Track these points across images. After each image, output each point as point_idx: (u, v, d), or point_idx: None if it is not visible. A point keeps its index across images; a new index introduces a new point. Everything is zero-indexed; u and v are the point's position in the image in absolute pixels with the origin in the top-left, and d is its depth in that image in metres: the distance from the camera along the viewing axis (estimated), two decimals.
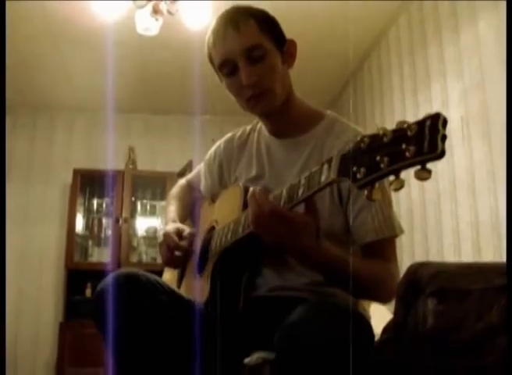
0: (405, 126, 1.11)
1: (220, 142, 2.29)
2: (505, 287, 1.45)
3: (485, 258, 3.67)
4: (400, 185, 1.13)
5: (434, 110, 3.57)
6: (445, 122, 1.06)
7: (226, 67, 1.91)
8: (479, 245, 3.81)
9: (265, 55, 1.88)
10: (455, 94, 4.18)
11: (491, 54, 3.71)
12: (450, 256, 4.17)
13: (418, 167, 1.08)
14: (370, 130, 1.22)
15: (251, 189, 1.51)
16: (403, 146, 1.09)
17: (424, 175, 1.08)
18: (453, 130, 3.92)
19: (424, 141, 1.06)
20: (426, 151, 1.05)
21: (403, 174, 1.12)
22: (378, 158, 1.14)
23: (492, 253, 3.63)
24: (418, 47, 4.88)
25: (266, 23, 1.94)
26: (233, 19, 1.90)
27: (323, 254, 1.55)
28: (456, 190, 4.01)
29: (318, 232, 1.51)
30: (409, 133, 1.09)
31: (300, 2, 4.41)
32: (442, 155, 1.04)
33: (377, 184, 1.19)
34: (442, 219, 4.33)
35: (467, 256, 3.94)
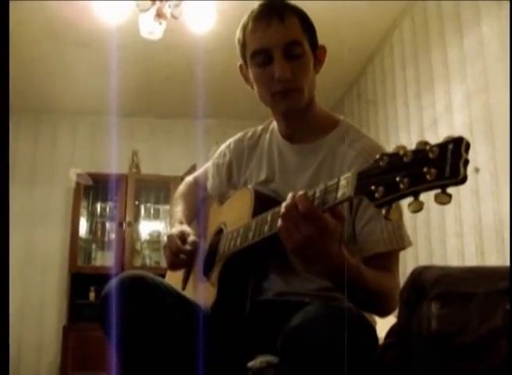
0: (427, 147, 1.09)
1: (230, 141, 2.27)
2: (508, 291, 1.45)
3: (489, 262, 3.67)
4: (419, 207, 1.12)
5: (438, 114, 3.56)
6: (467, 146, 1.05)
7: (261, 56, 1.88)
8: (483, 249, 3.81)
9: (303, 54, 1.88)
10: (459, 97, 4.18)
11: (495, 57, 3.71)
12: (454, 260, 4.16)
13: (438, 190, 1.07)
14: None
15: (291, 193, 1.43)
16: (425, 169, 1.07)
17: (444, 199, 1.07)
18: (456, 133, 3.91)
19: (446, 165, 1.05)
20: (448, 176, 1.04)
21: None
22: (397, 178, 1.13)
23: (496, 257, 3.62)
24: (422, 50, 4.88)
25: (307, 23, 1.94)
26: (279, 10, 1.87)
27: (343, 261, 1.50)
28: (460, 193, 4.00)
29: (341, 238, 1.48)
30: (430, 155, 1.08)
31: (302, 5, 4.40)
32: (464, 180, 1.03)
33: (394, 204, 1.18)
34: (446, 223, 4.33)
35: (470, 260, 3.93)
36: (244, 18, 1.95)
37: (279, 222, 1.41)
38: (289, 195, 1.41)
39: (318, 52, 1.98)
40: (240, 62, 2.02)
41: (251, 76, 1.97)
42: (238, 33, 1.97)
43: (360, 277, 1.59)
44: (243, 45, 1.95)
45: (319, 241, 1.38)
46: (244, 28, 1.94)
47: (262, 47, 1.87)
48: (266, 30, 1.86)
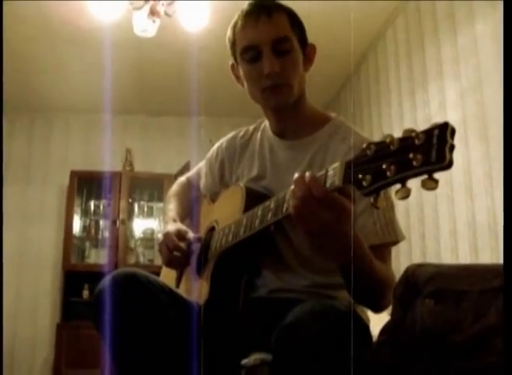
0: (413, 134, 1.09)
1: (222, 141, 2.28)
2: (502, 289, 1.45)
3: (482, 260, 3.67)
4: (406, 194, 1.12)
5: (432, 111, 3.57)
6: (453, 131, 1.05)
7: (250, 53, 1.90)
8: (476, 246, 3.82)
9: (291, 50, 1.89)
10: (452, 95, 4.18)
11: (488, 55, 3.72)
12: (447, 257, 4.17)
13: (425, 176, 1.07)
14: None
15: (297, 174, 1.37)
16: (411, 155, 1.07)
17: (431, 185, 1.07)
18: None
19: (431, 151, 1.04)
20: (434, 161, 1.04)
21: None
22: (384, 166, 1.13)
23: (489, 254, 3.63)
24: (415, 48, 4.89)
25: (296, 20, 1.95)
26: (267, 8, 1.89)
27: (360, 244, 1.49)
28: (454, 191, 4.01)
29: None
30: (416, 142, 1.07)
31: (296, 4, 4.40)
32: (449, 165, 1.03)
33: (382, 192, 1.18)
34: (440, 221, 4.33)
35: (464, 257, 3.94)
36: (234, 17, 1.96)
37: (292, 208, 1.37)
38: (297, 177, 1.36)
39: (308, 50, 1.99)
40: (231, 61, 2.04)
41: (241, 73, 1.98)
42: (228, 32, 1.99)
43: (372, 263, 1.57)
44: (233, 43, 1.98)
45: (337, 225, 1.33)
46: (234, 26, 1.96)
47: (251, 43, 1.89)
48: (255, 26, 1.88)
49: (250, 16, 1.90)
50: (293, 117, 2.00)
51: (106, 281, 1.79)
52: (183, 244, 2.02)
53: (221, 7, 4.67)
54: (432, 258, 4.36)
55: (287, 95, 1.91)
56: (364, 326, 1.61)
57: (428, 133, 1.07)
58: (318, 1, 4.69)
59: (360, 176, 1.19)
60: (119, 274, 1.82)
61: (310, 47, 2.00)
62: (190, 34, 4.77)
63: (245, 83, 1.98)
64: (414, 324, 1.57)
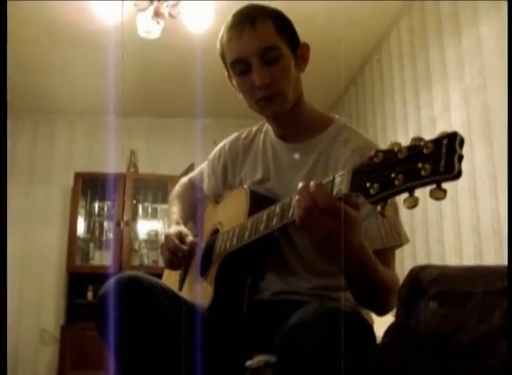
0: (421, 143, 1.09)
1: (225, 142, 2.27)
2: (506, 290, 1.45)
3: (487, 261, 3.67)
4: (414, 203, 1.11)
5: (436, 113, 3.56)
6: (462, 141, 1.05)
7: (239, 66, 1.89)
8: (481, 248, 3.81)
9: (280, 57, 1.87)
10: (456, 96, 4.18)
11: (492, 56, 3.71)
12: (452, 259, 4.16)
13: (433, 186, 1.07)
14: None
15: (302, 184, 1.38)
16: (419, 164, 1.07)
17: (439, 194, 1.07)
18: None
19: (440, 161, 1.05)
20: (442, 171, 1.04)
21: None
22: (392, 174, 1.13)
23: (494, 256, 3.62)
24: (420, 49, 4.88)
25: (283, 24, 1.92)
26: (251, 17, 1.87)
27: (364, 250, 1.51)
28: (458, 193, 4.00)
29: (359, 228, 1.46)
30: (425, 151, 1.07)
31: (300, 5, 4.40)
32: (458, 175, 1.03)
33: (390, 201, 1.18)
34: (444, 222, 4.33)
35: (468, 259, 3.93)
36: (221, 30, 1.96)
37: (297, 218, 1.38)
38: (301, 187, 1.37)
39: (300, 51, 1.96)
40: (226, 72, 2.03)
41: (235, 85, 1.98)
42: (217, 45, 1.98)
43: (376, 269, 1.58)
44: (223, 57, 1.97)
45: (341, 233, 1.35)
46: (221, 40, 1.95)
47: (239, 56, 1.88)
48: (240, 39, 1.87)
49: (235, 28, 1.89)
50: (293, 121, 1.99)
51: (109, 285, 1.78)
52: (184, 247, 2.02)
53: (225, 8, 4.66)
54: (436, 260, 4.36)
55: (282, 104, 1.90)
56: (368, 328, 1.60)
57: (437, 142, 1.07)
58: (322, 2, 4.68)
59: (367, 184, 1.19)
60: (122, 278, 1.81)
61: (302, 47, 1.98)
62: (194, 36, 4.77)
63: (240, 94, 1.98)
64: (418, 326, 1.56)
